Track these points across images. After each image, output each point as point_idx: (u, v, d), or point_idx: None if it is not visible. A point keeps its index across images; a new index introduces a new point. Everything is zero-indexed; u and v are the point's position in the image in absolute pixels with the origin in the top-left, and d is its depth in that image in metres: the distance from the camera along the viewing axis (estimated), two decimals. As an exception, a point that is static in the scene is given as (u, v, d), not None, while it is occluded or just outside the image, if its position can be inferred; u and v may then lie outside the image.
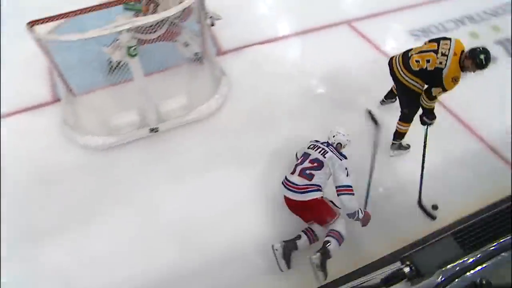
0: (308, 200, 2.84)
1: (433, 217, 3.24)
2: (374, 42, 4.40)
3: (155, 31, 3.37)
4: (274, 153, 3.46)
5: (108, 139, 3.37)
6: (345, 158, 2.95)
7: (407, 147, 3.60)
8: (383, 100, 3.80)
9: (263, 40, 4.25)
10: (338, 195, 2.83)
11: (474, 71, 3.02)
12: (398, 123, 3.46)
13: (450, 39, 3.14)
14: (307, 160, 2.96)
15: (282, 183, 2.98)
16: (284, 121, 3.67)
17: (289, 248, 2.78)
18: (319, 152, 2.96)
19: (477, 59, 2.94)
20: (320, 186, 2.89)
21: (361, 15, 4.64)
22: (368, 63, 4.22)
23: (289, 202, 2.94)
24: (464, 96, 3.60)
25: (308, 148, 3.06)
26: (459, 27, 4.73)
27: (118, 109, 3.42)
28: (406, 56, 3.23)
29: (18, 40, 3.29)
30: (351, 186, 2.83)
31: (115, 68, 3.44)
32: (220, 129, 3.56)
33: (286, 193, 2.94)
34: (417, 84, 3.19)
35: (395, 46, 4.42)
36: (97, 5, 3.04)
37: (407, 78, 3.20)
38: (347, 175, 2.86)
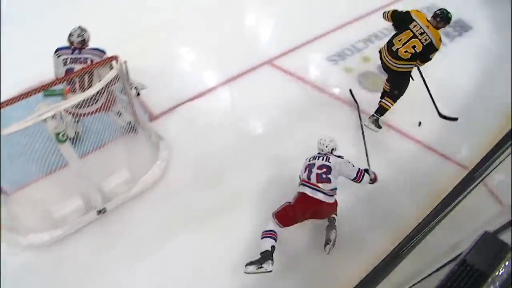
0: (331, 203, 3.13)
1: (455, 119, 4.13)
2: (297, 74, 4.63)
3: (96, 102, 3.30)
4: (228, 204, 3.47)
5: (55, 232, 3.16)
6: (342, 158, 3.24)
7: (380, 127, 4.09)
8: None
9: (193, 96, 4.31)
10: (358, 182, 3.21)
11: (445, 26, 3.80)
12: (386, 99, 4.03)
13: (411, 18, 3.75)
14: (316, 167, 3.14)
15: (304, 184, 3.13)
16: (230, 169, 3.71)
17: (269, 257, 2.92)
18: (323, 159, 3.18)
19: (447, 18, 3.72)
20: (336, 189, 3.16)
21: (279, 52, 4.87)
22: (297, 96, 4.44)
23: (309, 202, 3.07)
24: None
25: (309, 160, 3.24)
26: (368, 45, 5.14)
27: (59, 198, 3.24)
28: (392, 51, 3.78)
29: None
30: (359, 168, 3.20)
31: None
32: (169, 193, 3.50)
33: (311, 193, 3.07)
34: (412, 65, 3.85)
35: (317, 74, 4.74)
36: (14, 97, 2.92)
37: (402, 66, 3.81)
38: (353, 165, 3.20)
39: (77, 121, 3.54)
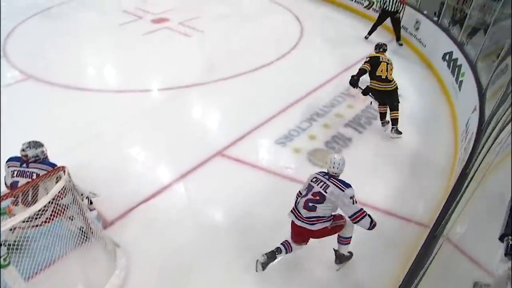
0: (316, 230, 3.18)
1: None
2: (248, 162, 4.71)
3: (42, 215, 3.07)
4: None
5: None
6: (349, 186, 3.14)
7: (401, 133, 5.26)
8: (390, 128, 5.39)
9: (148, 196, 4.20)
10: (354, 223, 3.13)
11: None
12: (393, 112, 5.25)
13: (377, 56, 5.26)
14: (311, 193, 3.20)
15: (292, 211, 3.29)
16: (196, 266, 3.51)
17: (270, 260, 3.24)
18: (321, 187, 3.17)
19: (386, 47, 5.47)
20: (326, 217, 3.18)
21: (228, 142, 4.99)
22: (251, 182, 4.47)
23: (297, 230, 3.27)
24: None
25: (311, 181, 3.28)
26: (312, 124, 5.43)
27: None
28: (383, 79, 5.14)
29: None
30: (361, 210, 3.09)
31: None
32: (132, 305, 3.24)
33: (295, 220, 3.24)
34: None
35: (268, 158, 4.84)
36: None
37: (393, 84, 5.22)
38: (354, 203, 3.08)
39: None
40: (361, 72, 5.20)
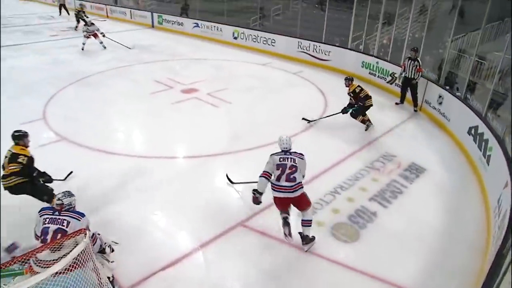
0: (298, 196, 4.20)
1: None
2: (270, 234, 4.62)
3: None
4: None
5: None
6: (303, 154, 4.40)
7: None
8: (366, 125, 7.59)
9: (166, 265, 4.13)
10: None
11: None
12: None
13: (357, 85, 7.50)
14: (287, 168, 4.20)
15: (272, 188, 4.25)
16: None
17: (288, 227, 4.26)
18: (291, 161, 4.25)
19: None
20: (301, 183, 4.25)
21: (251, 213, 4.95)
22: (272, 255, 4.34)
23: (281, 200, 4.27)
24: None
25: (279, 161, 4.24)
26: (336, 197, 5.35)
27: None
28: (369, 96, 7.44)
29: None
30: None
31: None
32: None
33: (278, 194, 4.23)
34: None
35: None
36: None
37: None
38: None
39: None
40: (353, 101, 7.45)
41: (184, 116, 8.23)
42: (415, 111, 8.63)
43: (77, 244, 3.07)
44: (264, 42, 13.81)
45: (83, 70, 11.27)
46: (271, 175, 4.26)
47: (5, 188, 4.60)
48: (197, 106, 8.73)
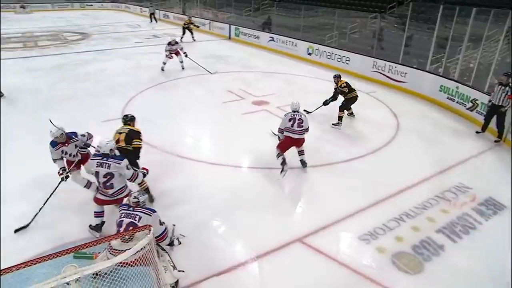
0: (303, 138, 6.41)
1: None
2: (328, 254, 4.54)
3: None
4: None
5: None
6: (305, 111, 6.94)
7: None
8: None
9: (221, 270, 4.25)
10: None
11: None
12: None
13: (345, 81, 8.57)
14: (297, 119, 6.29)
15: (287, 131, 6.35)
16: None
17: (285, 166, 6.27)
18: (299, 117, 6.34)
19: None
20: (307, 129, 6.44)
21: (310, 230, 4.93)
22: (327, 276, 4.27)
23: (292, 140, 6.37)
24: None
25: (292, 115, 6.36)
26: (400, 224, 5.13)
27: None
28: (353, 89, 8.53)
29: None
30: None
31: None
32: None
33: (293, 135, 6.31)
34: None
35: (348, 253, 4.61)
36: (44, 256, 3.00)
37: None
38: None
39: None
40: (336, 95, 8.70)
41: (252, 127, 8.43)
42: (497, 141, 7.94)
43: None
44: (339, 59, 13.70)
45: (161, 75, 12.07)
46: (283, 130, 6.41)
47: (122, 150, 5.21)
48: (266, 118, 8.89)
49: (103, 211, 4.85)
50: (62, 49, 16.92)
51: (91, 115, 8.86)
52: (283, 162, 6.21)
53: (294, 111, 6.39)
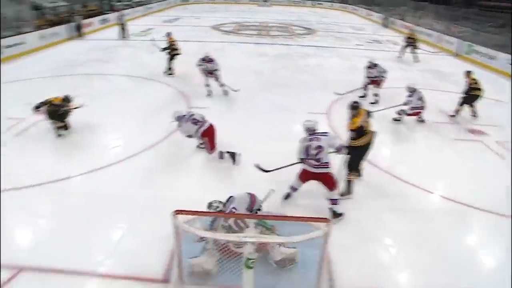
0: (323, 173, 4.89)
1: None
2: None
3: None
4: None
5: None
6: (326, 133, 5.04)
7: None
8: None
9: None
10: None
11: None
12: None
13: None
14: (313, 148, 4.82)
15: (303, 162, 4.99)
16: None
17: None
18: (317, 140, 4.85)
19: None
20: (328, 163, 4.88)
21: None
22: None
23: (308, 175, 5.02)
24: None
25: (309, 141, 4.90)
26: None
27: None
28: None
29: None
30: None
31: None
32: None
33: (307, 168, 4.94)
34: None
35: None
36: (234, 213, 3.41)
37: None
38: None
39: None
40: None
41: (461, 157, 7.49)
42: None
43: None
44: None
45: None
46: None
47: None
48: (480, 151, 7.77)
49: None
50: (288, 41, 18.62)
51: (300, 104, 9.49)
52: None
53: (311, 134, 4.96)
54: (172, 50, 11.53)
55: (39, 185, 5.72)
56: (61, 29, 17.30)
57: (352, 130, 5.36)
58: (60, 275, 4.08)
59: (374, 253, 4.62)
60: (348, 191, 5.62)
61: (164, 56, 11.77)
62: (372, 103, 9.73)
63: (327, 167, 4.86)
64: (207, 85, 9.92)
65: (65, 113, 7.28)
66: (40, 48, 15.36)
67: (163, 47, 11.61)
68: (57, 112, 7.08)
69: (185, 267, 3.83)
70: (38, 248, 4.50)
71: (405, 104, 8.67)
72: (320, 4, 40.48)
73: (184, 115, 6.45)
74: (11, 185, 5.65)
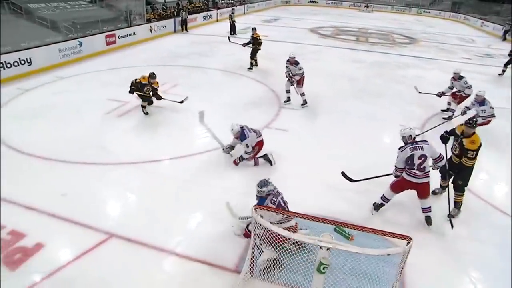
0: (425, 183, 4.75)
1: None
2: None
3: None
4: None
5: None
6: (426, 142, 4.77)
7: None
8: None
9: None
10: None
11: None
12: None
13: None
14: (416, 157, 4.59)
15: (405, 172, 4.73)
16: None
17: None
18: (420, 149, 4.61)
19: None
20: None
21: None
22: None
23: (407, 185, 4.80)
24: None
25: (412, 151, 4.61)
26: None
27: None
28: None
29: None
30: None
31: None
32: None
33: (409, 178, 4.71)
34: None
35: None
36: (313, 217, 3.38)
37: None
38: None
39: None
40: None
41: None
42: None
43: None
44: None
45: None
46: None
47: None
48: None
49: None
50: (387, 49, 17.86)
51: (392, 114, 9.07)
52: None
53: (411, 142, 4.70)
54: (256, 45, 12.34)
55: (134, 164, 6.28)
56: (168, 23, 18.86)
57: (472, 150, 4.89)
58: (144, 247, 4.45)
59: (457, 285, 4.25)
60: (457, 213, 5.30)
61: (259, 56, 12.29)
62: (444, 116, 9.14)
63: (429, 176, 4.72)
64: (287, 91, 9.25)
65: (153, 90, 8.23)
66: (148, 39, 17.04)
67: (246, 42, 12.55)
68: (143, 89, 8.09)
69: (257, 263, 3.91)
70: (127, 220, 4.94)
71: (477, 114, 7.71)
72: (427, 12, 38.01)
73: (243, 127, 6.34)
74: (111, 161, 6.27)
